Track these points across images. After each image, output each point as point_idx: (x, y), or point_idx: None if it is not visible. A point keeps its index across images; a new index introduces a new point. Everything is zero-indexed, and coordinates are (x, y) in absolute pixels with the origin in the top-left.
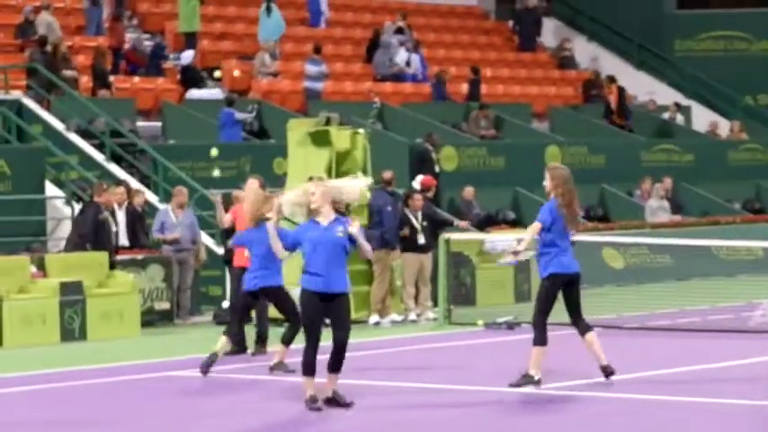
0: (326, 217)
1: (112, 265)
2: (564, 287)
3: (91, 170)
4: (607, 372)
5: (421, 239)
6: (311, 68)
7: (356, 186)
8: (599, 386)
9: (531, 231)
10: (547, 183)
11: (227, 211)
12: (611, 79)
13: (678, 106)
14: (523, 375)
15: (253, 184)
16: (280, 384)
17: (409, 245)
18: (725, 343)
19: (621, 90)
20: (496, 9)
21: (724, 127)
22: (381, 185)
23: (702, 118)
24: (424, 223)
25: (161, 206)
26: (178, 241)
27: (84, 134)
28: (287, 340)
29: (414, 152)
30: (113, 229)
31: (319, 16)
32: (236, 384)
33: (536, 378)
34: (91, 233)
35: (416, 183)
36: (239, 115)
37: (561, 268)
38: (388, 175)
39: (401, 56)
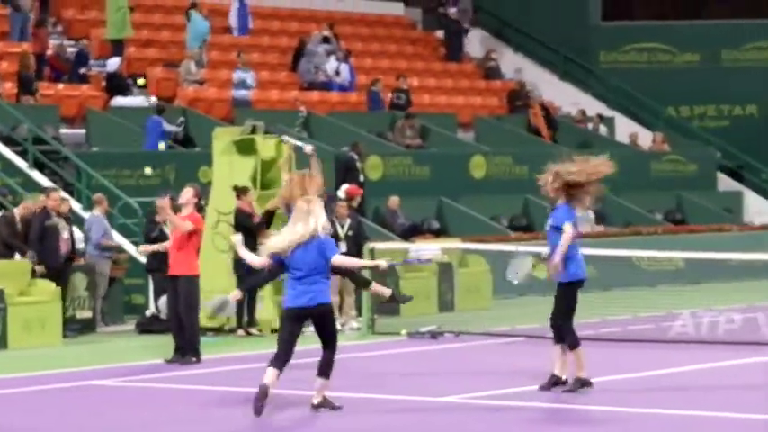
0: None
1: (59, 274)
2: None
3: (13, 177)
4: (558, 383)
5: (342, 248)
6: (240, 76)
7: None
8: (526, 394)
9: (567, 237)
10: (546, 186)
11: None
12: (531, 96)
13: (602, 117)
14: (576, 380)
15: (188, 192)
16: (211, 395)
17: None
18: (646, 353)
19: (546, 109)
20: (423, 19)
21: (647, 138)
22: None
23: (626, 129)
24: (349, 233)
25: (85, 214)
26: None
27: (7, 141)
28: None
29: (339, 161)
30: (65, 236)
31: (245, 25)
32: (163, 394)
33: (589, 380)
34: (36, 240)
35: (341, 192)
36: (168, 126)
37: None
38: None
39: (330, 65)
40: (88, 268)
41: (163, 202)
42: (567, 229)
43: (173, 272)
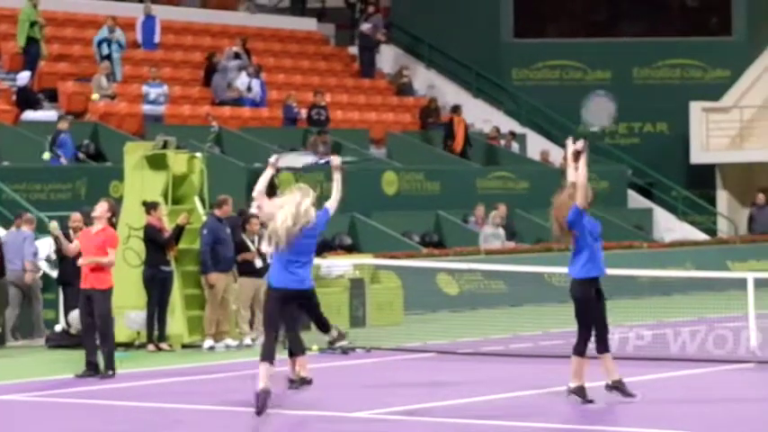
0: None
1: None
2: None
3: None
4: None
5: (258, 263)
6: (149, 91)
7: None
8: (437, 410)
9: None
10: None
11: (67, 238)
12: (455, 109)
13: (513, 134)
14: (615, 384)
15: (102, 206)
16: (121, 410)
17: (246, 269)
18: (556, 368)
19: (466, 125)
20: (336, 35)
21: (558, 155)
22: (212, 211)
23: (537, 146)
24: (262, 247)
25: None
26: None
27: None
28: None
29: (256, 177)
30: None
31: (151, 39)
32: (72, 409)
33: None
34: None
35: (254, 208)
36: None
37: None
38: (222, 197)
39: (242, 80)
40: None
41: (56, 231)
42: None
43: (87, 286)
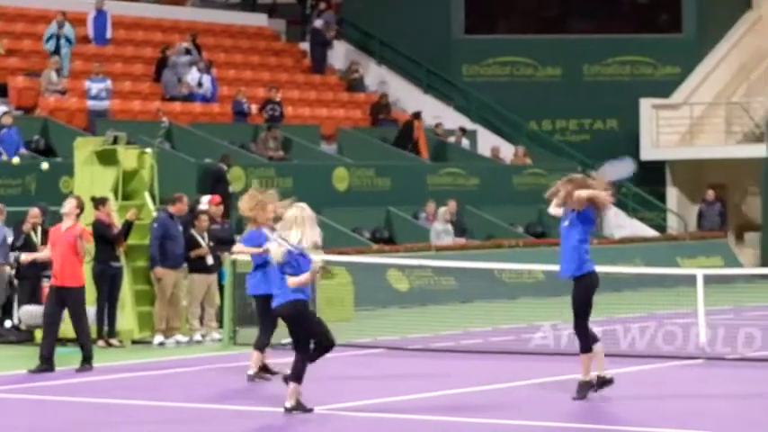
0: None
1: None
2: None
3: None
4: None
5: (209, 260)
6: (93, 86)
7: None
8: (386, 406)
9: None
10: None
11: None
12: (417, 115)
13: (464, 131)
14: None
15: (70, 203)
16: (70, 405)
17: (197, 265)
18: (506, 364)
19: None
20: (287, 31)
21: (509, 152)
22: (163, 207)
23: (488, 142)
24: (212, 243)
25: None
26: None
27: None
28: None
29: (208, 172)
30: None
31: (103, 35)
32: (20, 405)
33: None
34: None
35: (204, 204)
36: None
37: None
38: (177, 195)
39: (192, 76)
40: None
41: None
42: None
43: (60, 283)
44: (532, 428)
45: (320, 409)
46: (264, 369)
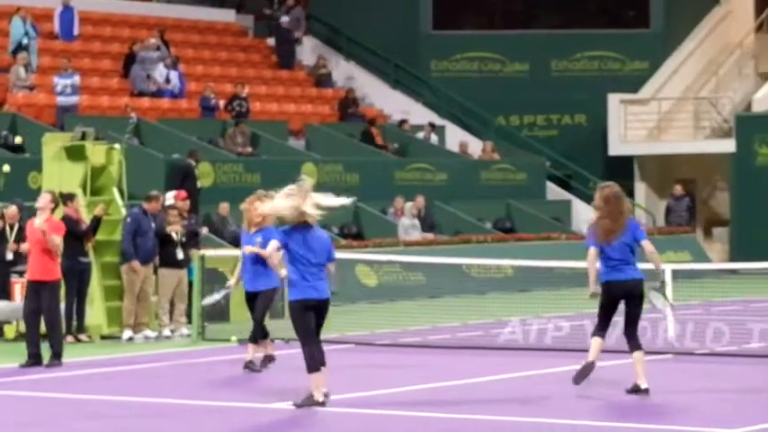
0: None
1: None
2: (624, 297)
3: None
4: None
5: (179, 255)
6: (61, 82)
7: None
8: (354, 401)
9: (590, 259)
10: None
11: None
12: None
13: (432, 126)
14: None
15: (45, 197)
16: (38, 401)
17: (167, 260)
18: (475, 360)
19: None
20: (255, 26)
21: (477, 147)
22: (138, 204)
23: (456, 138)
24: (183, 239)
25: None
26: None
27: None
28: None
29: (176, 168)
30: None
31: (70, 30)
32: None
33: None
34: None
35: (170, 199)
36: None
37: (612, 277)
38: (153, 193)
39: (160, 72)
40: None
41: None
42: (591, 252)
43: (36, 278)
44: (501, 423)
45: (288, 405)
46: (269, 359)
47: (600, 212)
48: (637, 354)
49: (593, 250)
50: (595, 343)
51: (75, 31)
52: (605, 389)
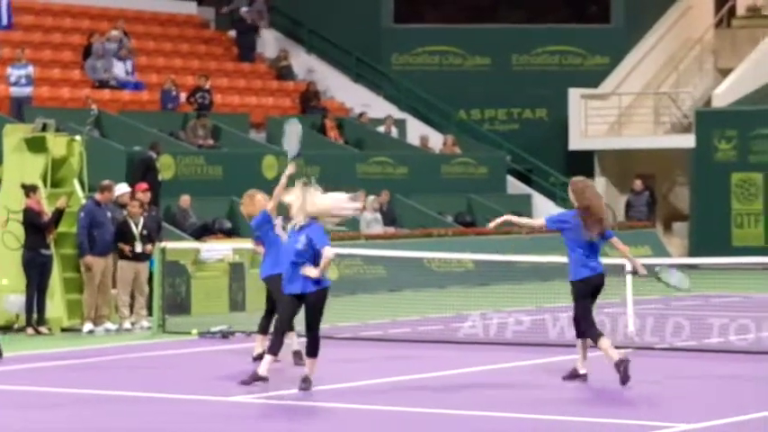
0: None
1: None
2: (594, 289)
3: None
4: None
5: (138, 248)
6: (15, 72)
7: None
8: (317, 395)
9: (538, 221)
10: (570, 195)
11: None
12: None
13: (393, 120)
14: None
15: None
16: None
17: (125, 252)
18: (435, 353)
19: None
20: (216, 19)
21: (438, 141)
22: (90, 195)
23: (417, 131)
24: (144, 231)
25: None
26: None
27: None
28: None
29: (137, 160)
30: None
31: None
32: None
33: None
34: None
35: (118, 191)
36: None
37: (591, 271)
38: (105, 183)
39: (120, 63)
40: None
41: None
42: (540, 220)
43: None
44: (461, 417)
45: (248, 398)
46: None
47: (585, 204)
48: (601, 341)
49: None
50: (607, 341)
51: (4, 21)
52: (563, 382)
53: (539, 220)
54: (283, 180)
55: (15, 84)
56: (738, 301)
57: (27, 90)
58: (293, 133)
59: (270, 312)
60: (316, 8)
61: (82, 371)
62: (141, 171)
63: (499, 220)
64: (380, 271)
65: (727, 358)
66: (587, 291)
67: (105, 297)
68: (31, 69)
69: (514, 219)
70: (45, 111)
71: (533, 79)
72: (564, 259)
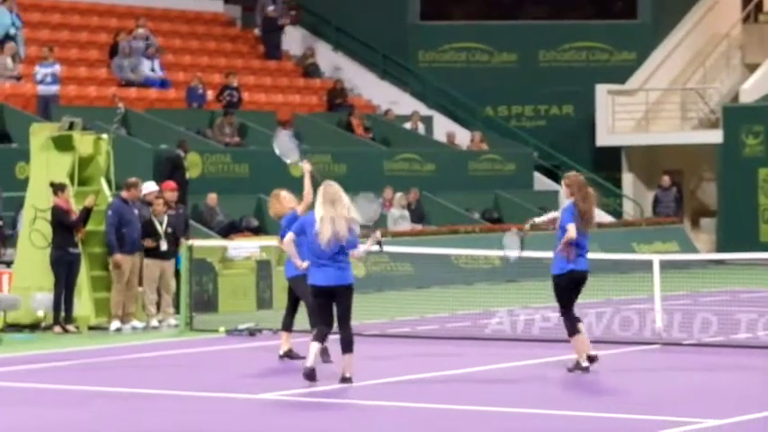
0: None
1: None
2: (578, 284)
3: None
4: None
5: (164, 246)
6: (41, 71)
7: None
8: (342, 392)
9: (570, 232)
10: (564, 189)
11: None
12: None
13: (419, 116)
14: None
15: None
16: (20, 392)
17: (152, 251)
18: (463, 350)
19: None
20: (243, 16)
21: (465, 138)
22: (117, 193)
23: (444, 128)
24: (169, 229)
25: None
26: None
27: None
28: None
29: (164, 158)
30: None
31: None
32: None
33: (583, 365)
34: None
35: (146, 189)
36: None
37: (578, 266)
38: (131, 180)
39: (147, 61)
40: None
41: None
42: (571, 229)
43: None
44: (489, 414)
45: (276, 395)
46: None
47: (577, 197)
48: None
49: (573, 227)
50: (583, 337)
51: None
52: (591, 379)
53: (552, 213)
54: (307, 182)
55: (42, 82)
56: (766, 297)
57: (54, 88)
58: (282, 143)
59: (292, 310)
60: (342, 5)
61: (109, 369)
62: (168, 169)
63: (527, 227)
64: (408, 268)
65: (755, 353)
66: (571, 284)
67: (132, 295)
68: (57, 68)
69: (536, 220)
70: (72, 109)
71: (560, 75)
72: (590, 255)
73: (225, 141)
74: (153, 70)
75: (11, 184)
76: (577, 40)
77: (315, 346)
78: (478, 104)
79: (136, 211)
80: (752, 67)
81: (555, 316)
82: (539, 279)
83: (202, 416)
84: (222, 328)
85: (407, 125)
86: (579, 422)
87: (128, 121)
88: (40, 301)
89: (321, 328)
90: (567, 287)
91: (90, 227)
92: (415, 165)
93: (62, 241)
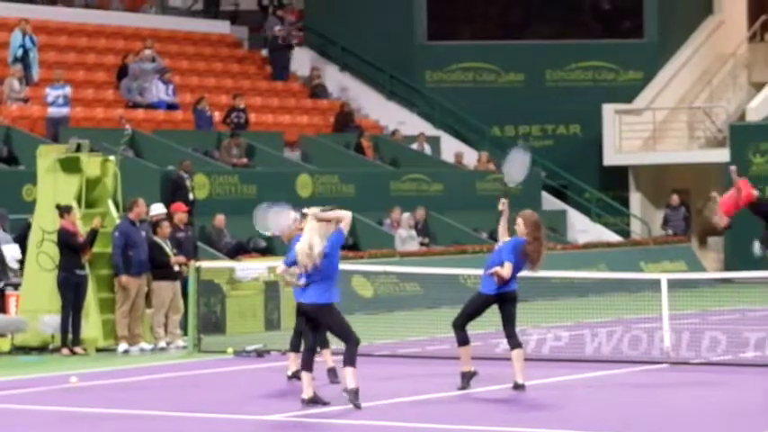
0: None
1: None
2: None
3: None
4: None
5: (175, 267)
6: (52, 93)
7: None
8: (351, 413)
9: (505, 271)
10: (519, 227)
11: None
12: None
13: (425, 137)
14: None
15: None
16: (33, 415)
17: (162, 273)
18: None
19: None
20: (250, 37)
21: (472, 157)
22: (125, 214)
23: (451, 148)
24: (175, 251)
25: None
26: None
27: None
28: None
29: (167, 179)
30: None
31: None
32: None
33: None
34: None
35: (153, 211)
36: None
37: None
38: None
39: (154, 83)
40: None
41: None
42: (508, 267)
43: None
44: None
45: (285, 417)
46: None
47: (529, 237)
48: (517, 351)
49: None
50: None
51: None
52: (600, 397)
53: (507, 269)
54: (329, 215)
55: (53, 104)
56: None
57: (64, 110)
58: (268, 218)
59: (299, 331)
60: (349, 26)
61: (117, 391)
62: (171, 191)
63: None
64: (416, 288)
65: (764, 372)
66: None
67: (138, 317)
68: (68, 90)
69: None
70: (79, 131)
71: (567, 95)
72: (599, 275)
73: (232, 162)
74: (167, 95)
75: (18, 206)
76: (584, 59)
77: (306, 376)
78: (486, 124)
79: (143, 233)
80: (758, 86)
81: (567, 335)
82: (548, 299)
83: None
84: (230, 350)
85: (414, 145)
86: None
87: (135, 142)
88: (48, 323)
89: (304, 353)
90: (483, 307)
91: (97, 249)
92: (422, 185)
93: (69, 263)
